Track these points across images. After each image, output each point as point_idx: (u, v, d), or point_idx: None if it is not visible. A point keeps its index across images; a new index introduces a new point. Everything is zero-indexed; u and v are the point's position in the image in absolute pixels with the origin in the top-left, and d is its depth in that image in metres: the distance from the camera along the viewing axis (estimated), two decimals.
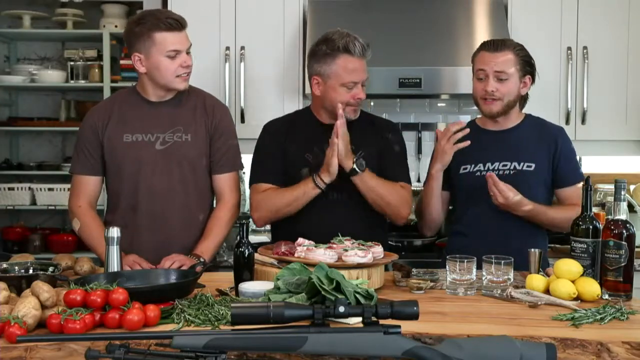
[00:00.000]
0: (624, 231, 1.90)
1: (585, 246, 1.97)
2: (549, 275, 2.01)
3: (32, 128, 4.24)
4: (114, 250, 2.04)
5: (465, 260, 1.95)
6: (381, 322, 1.29)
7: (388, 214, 2.43)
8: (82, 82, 4.10)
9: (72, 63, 4.12)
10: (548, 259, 2.47)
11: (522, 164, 2.38)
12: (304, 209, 2.36)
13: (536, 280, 1.96)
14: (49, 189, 4.03)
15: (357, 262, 1.93)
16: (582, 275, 1.92)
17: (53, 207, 4.04)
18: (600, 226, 1.97)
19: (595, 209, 2.54)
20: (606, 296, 1.90)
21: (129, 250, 2.22)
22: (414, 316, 1.30)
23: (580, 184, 2.34)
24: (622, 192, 1.92)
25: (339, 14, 3.28)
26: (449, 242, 2.59)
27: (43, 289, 1.61)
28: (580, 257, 1.97)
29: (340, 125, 2.26)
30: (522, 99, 2.48)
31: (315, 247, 2.01)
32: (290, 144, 2.45)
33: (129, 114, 2.40)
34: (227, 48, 3.31)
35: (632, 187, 3.24)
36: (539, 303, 1.84)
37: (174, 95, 2.40)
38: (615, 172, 3.34)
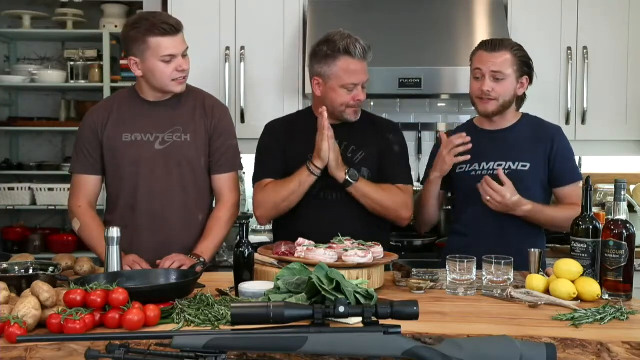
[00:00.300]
0: (624, 231, 1.90)
1: (585, 246, 1.97)
2: (549, 275, 2.01)
3: (32, 128, 4.24)
4: (114, 250, 2.03)
5: (465, 260, 1.95)
6: (381, 322, 1.29)
7: (388, 218, 2.43)
8: (82, 82, 4.11)
9: (72, 63, 4.13)
10: (546, 259, 2.47)
11: (517, 163, 2.39)
12: (304, 209, 2.37)
13: (536, 280, 1.96)
14: (49, 189, 4.04)
15: (357, 262, 1.93)
16: (582, 275, 1.92)
17: (53, 207, 4.04)
18: (600, 226, 1.97)
19: (595, 209, 2.55)
20: (606, 296, 1.90)
21: (128, 251, 2.22)
22: (414, 316, 1.30)
23: (579, 183, 2.36)
24: (622, 192, 1.92)
25: (339, 14, 3.28)
26: (448, 241, 2.60)
27: (43, 289, 1.61)
28: (580, 257, 1.97)
29: (325, 121, 2.25)
30: (520, 99, 2.49)
31: (315, 247, 2.01)
32: (291, 144, 2.45)
33: (128, 114, 2.40)
34: (227, 48, 3.31)
35: (632, 187, 3.24)
36: (539, 303, 1.84)
37: (173, 95, 2.40)
38: (615, 172, 3.34)
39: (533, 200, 2.33)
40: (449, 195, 2.63)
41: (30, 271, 1.96)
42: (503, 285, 1.94)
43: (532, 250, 2.11)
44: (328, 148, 2.25)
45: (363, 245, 2.05)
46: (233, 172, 2.47)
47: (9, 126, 4.21)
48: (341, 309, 1.28)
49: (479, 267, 1.98)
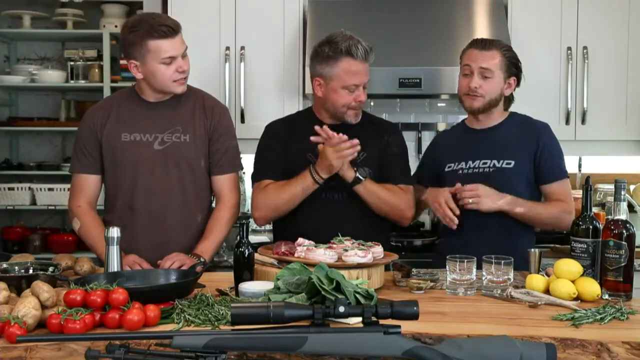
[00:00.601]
0: (624, 231, 1.90)
1: (585, 246, 1.97)
2: (549, 275, 2.01)
3: (32, 128, 4.24)
4: (114, 250, 2.03)
5: (465, 260, 1.95)
6: (381, 322, 1.29)
7: (392, 217, 2.43)
8: (82, 82, 4.11)
9: (72, 63, 4.13)
10: (543, 259, 2.47)
11: (501, 161, 2.40)
12: (304, 209, 2.37)
13: (536, 280, 1.96)
14: (49, 189, 4.03)
15: (357, 262, 1.93)
16: (582, 275, 1.92)
17: (53, 207, 4.04)
18: (600, 226, 1.98)
19: (595, 209, 2.55)
20: (606, 296, 1.90)
21: (127, 251, 2.21)
22: (414, 316, 1.30)
23: (565, 181, 2.37)
24: (622, 192, 1.92)
25: (339, 14, 3.28)
26: (441, 241, 2.62)
27: (43, 289, 1.61)
28: (580, 257, 1.97)
29: (339, 137, 2.26)
30: (507, 100, 2.51)
31: (315, 247, 2.01)
32: (292, 144, 2.45)
33: (128, 114, 2.40)
34: (227, 48, 3.31)
35: (632, 187, 3.24)
36: (539, 303, 1.84)
37: (172, 95, 2.40)
38: (615, 172, 3.34)
39: (519, 197, 2.34)
40: None
41: (30, 271, 1.96)
42: (503, 285, 1.94)
43: (532, 250, 2.12)
44: (341, 164, 2.26)
45: (363, 245, 2.05)
46: (233, 173, 2.47)
47: (9, 126, 4.21)
48: (341, 309, 1.28)
49: (479, 267, 1.98)
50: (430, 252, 2.99)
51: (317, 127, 2.29)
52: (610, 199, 2.79)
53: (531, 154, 2.39)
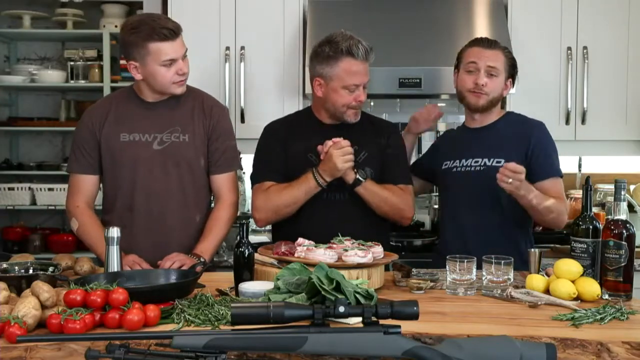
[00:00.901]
0: (624, 231, 1.90)
1: (585, 246, 1.97)
2: (549, 275, 2.01)
3: (32, 128, 4.24)
4: (114, 250, 2.03)
5: (465, 260, 1.95)
6: (381, 322, 1.29)
7: (392, 217, 2.43)
8: (82, 82, 4.11)
9: (72, 63, 4.13)
10: (543, 259, 2.46)
11: (491, 159, 2.41)
12: (304, 209, 2.36)
13: (536, 280, 1.96)
14: (49, 189, 4.04)
15: (357, 262, 1.93)
16: (582, 275, 1.92)
17: (53, 207, 4.04)
18: (600, 226, 1.98)
19: (595, 209, 2.55)
20: (606, 296, 1.90)
21: (127, 251, 2.20)
22: (414, 316, 1.30)
23: (557, 179, 2.36)
24: (622, 192, 1.92)
25: (339, 14, 3.28)
26: (439, 238, 2.63)
27: (43, 289, 1.61)
28: (580, 257, 1.97)
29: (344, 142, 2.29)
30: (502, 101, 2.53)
31: (315, 247, 2.01)
32: (292, 145, 2.45)
33: (126, 114, 2.40)
34: (227, 48, 3.31)
35: (632, 187, 3.24)
36: (539, 303, 1.84)
37: (171, 95, 2.40)
38: (615, 172, 3.34)
39: (507, 197, 2.31)
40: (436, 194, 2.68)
41: (30, 271, 1.96)
42: (503, 285, 1.94)
43: (532, 250, 2.12)
44: (346, 168, 2.27)
45: (363, 245, 2.05)
46: (232, 172, 2.47)
47: (9, 126, 4.22)
48: (341, 309, 1.28)
49: (479, 267, 1.98)
50: (430, 252, 3.00)
51: (319, 147, 2.31)
52: (610, 199, 2.80)
53: (523, 152, 2.39)
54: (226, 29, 3.32)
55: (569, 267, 1.93)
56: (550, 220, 2.37)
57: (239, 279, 1.95)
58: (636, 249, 1.97)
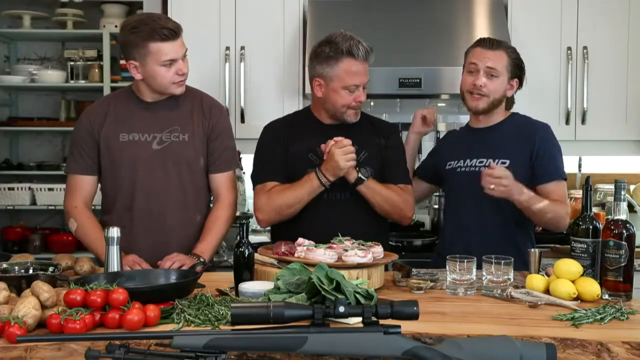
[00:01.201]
0: (624, 231, 1.90)
1: (585, 246, 1.97)
2: (549, 275, 2.01)
3: (32, 128, 4.24)
4: (114, 250, 2.03)
5: (465, 260, 1.95)
6: (381, 322, 1.29)
7: (393, 217, 2.44)
8: (82, 82, 4.11)
9: (72, 63, 4.13)
10: (543, 259, 2.46)
11: (497, 160, 2.40)
12: (304, 209, 2.37)
13: (536, 280, 1.96)
14: (49, 189, 4.03)
15: (357, 262, 1.93)
16: (582, 275, 1.92)
17: (53, 207, 4.04)
18: (600, 226, 1.98)
19: (595, 209, 2.55)
20: (606, 296, 1.90)
21: (127, 251, 2.20)
22: (414, 316, 1.30)
23: (561, 182, 2.36)
24: (622, 192, 1.92)
25: (339, 14, 3.28)
26: (440, 239, 2.63)
27: (43, 289, 1.61)
28: (580, 257, 1.97)
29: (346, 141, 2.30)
30: (509, 101, 2.52)
31: (315, 247, 2.01)
32: (292, 145, 2.45)
33: (125, 114, 2.39)
34: (227, 48, 3.31)
35: (632, 187, 3.24)
36: (539, 303, 1.84)
37: (170, 95, 2.39)
38: (615, 172, 3.34)
39: None
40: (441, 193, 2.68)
41: (30, 271, 1.96)
42: (503, 285, 1.94)
43: (532, 250, 2.12)
44: (348, 167, 2.27)
45: (363, 245, 2.05)
46: (230, 172, 2.47)
47: (9, 126, 4.21)
48: (341, 309, 1.28)
49: (479, 267, 1.98)
50: (430, 252, 3.00)
51: (322, 146, 2.32)
52: (610, 199, 2.80)
53: (527, 154, 2.38)
54: (226, 29, 3.32)
55: (569, 267, 1.93)
56: (548, 221, 2.37)
57: (239, 279, 1.95)
58: (636, 249, 1.97)
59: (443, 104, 3.64)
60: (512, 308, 1.82)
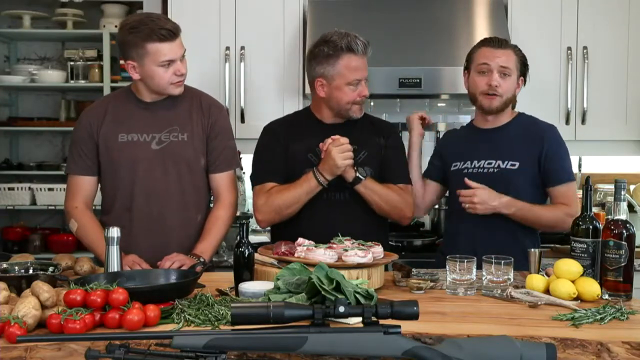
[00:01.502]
0: (624, 231, 1.90)
1: (585, 246, 1.97)
2: (549, 275, 2.01)
3: (32, 128, 4.24)
4: (114, 250, 2.03)
5: (465, 260, 1.95)
6: (381, 322, 1.29)
7: (392, 217, 2.44)
8: (82, 82, 4.11)
9: (72, 63, 4.13)
10: (543, 259, 2.47)
11: (505, 162, 2.40)
12: (304, 209, 2.37)
13: (536, 280, 1.95)
14: (49, 189, 4.03)
15: (357, 262, 1.93)
16: (582, 275, 1.92)
17: (53, 207, 4.04)
18: (600, 226, 1.97)
19: (595, 209, 2.55)
20: (606, 296, 1.90)
21: (126, 251, 2.20)
22: (414, 316, 1.30)
23: (570, 183, 2.37)
24: (622, 192, 1.92)
25: (339, 14, 3.28)
26: (444, 240, 2.62)
27: (43, 289, 1.61)
28: (580, 257, 1.97)
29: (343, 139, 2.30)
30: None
31: (315, 247, 2.01)
32: (292, 145, 2.45)
33: (124, 114, 2.39)
34: (227, 48, 3.31)
35: (632, 187, 3.24)
36: (539, 303, 1.84)
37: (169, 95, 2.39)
38: (615, 172, 3.34)
39: (523, 199, 2.34)
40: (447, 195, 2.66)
41: (30, 271, 1.96)
42: (503, 285, 1.94)
43: (532, 250, 2.12)
44: (345, 165, 2.27)
45: (363, 245, 2.05)
46: (230, 172, 2.46)
47: (9, 126, 4.21)
48: (341, 309, 1.28)
49: (479, 267, 1.98)
50: (430, 252, 3.00)
51: (321, 144, 2.32)
52: (610, 199, 2.80)
53: (536, 156, 2.39)
54: (226, 29, 3.32)
55: (569, 267, 1.93)
56: (546, 227, 2.41)
57: (239, 279, 1.95)
58: (636, 249, 1.97)
59: (443, 104, 3.64)
60: (512, 308, 1.82)
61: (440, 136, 3.18)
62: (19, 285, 1.81)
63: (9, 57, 4.34)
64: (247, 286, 1.85)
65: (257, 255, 2.03)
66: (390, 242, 2.73)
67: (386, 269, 2.15)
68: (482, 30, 3.22)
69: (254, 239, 3.09)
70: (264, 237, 3.21)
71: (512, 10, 3.29)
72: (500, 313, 1.77)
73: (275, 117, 2.63)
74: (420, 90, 3.13)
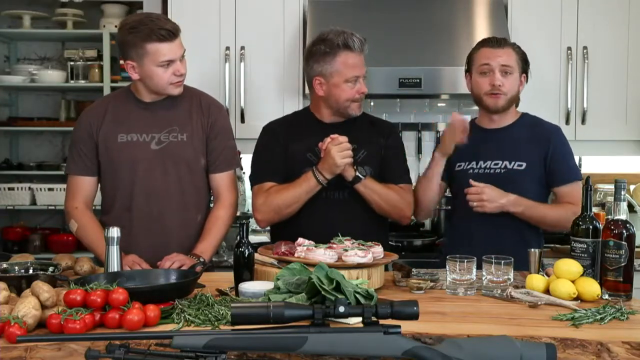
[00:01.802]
0: (624, 231, 1.90)
1: (585, 246, 1.97)
2: (549, 275, 2.01)
3: (32, 128, 4.24)
4: (114, 250, 2.03)
5: (465, 260, 1.95)
6: (381, 322, 1.29)
7: (392, 216, 2.44)
8: (82, 82, 4.11)
9: (72, 63, 4.13)
10: (544, 259, 2.48)
11: (512, 163, 2.40)
12: (303, 208, 2.37)
13: (536, 280, 1.95)
14: (49, 189, 4.03)
15: (357, 262, 1.93)
16: (582, 275, 1.92)
17: (53, 207, 4.04)
18: (600, 226, 1.97)
19: (595, 209, 2.55)
20: (606, 296, 1.90)
21: (126, 252, 2.19)
22: (414, 316, 1.30)
23: (576, 183, 2.37)
24: (622, 192, 1.92)
25: (339, 14, 3.28)
26: (446, 241, 2.61)
27: (43, 289, 1.61)
28: (580, 257, 1.97)
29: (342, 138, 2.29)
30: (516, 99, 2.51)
31: (315, 247, 2.01)
32: (291, 144, 2.45)
33: (124, 114, 2.39)
34: (227, 48, 3.31)
35: (632, 187, 3.24)
36: (539, 303, 1.84)
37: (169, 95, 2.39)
38: (615, 172, 3.34)
39: (528, 199, 2.34)
40: (448, 194, 2.64)
41: (30, 271, 1.96)
42: (503, 285, 1.94)
43: (532, 250, 2.11)
44: (344, 164, 2.27)
45: (363, 245, 2.05)
46: (231, 172, 2.46)
47: (9, 126, 4.21)
48: (341, 309, 1.28)
49: (479, 267, 1.98)
50: (430, 252, 3.00)
51: (320, 144, 2.32)
52: (610, 199, 2.80)
53: (542, 156, 2.39)
54: (226, 29, 3.32)
55: (569, 267, 1.93)
56: (549, 226, 2.41)
57: (239, 279, 1.95)
58: (636, 249, 1.97)
59: (443, 104, 3.65)
60: (512, 308, 1.82)
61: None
62: (19, 285, 1.81)
63: (9, 57, 4.34)
64: (247, 286, 1.85)
65: (257, 255, 2.03)
66: (390, 242, 2.72)
67: (386, 269, 2.15)
68: (482, 30, 3.22)
69: (254, 239, 3.09)
70: (264, 237, 3.21)
71: (512, 10, 3.29)
72: (500, 313, 1.77)
73: (275, 117, 2.63)
74: (420, 90, 3.13)
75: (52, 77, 4.07)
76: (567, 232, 2.13)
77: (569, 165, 2.42)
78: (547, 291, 1.92)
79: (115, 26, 3.99)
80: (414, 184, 2.57)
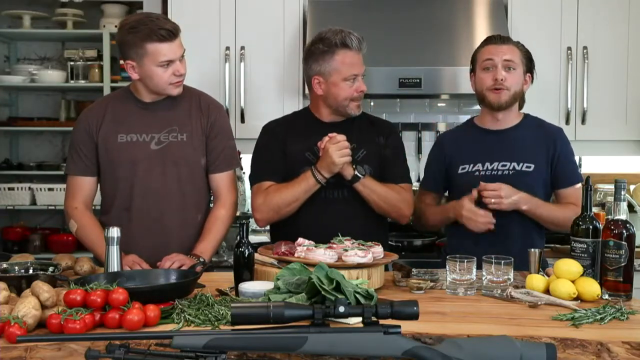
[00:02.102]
0: (624, 231, 1.90)
1: (585, 246, 1.97)
2: (549, 275, 2.01)
3: (32, 128, 4.24)
4: (114, 250, 2.03)
5: (465, 260, 1.95)
6: (381, 322, 1.29)
7: (391, 215, 2.44)
8: (82, 82, 4.11)
9: (72, 63, 4.13)
10: (546, 259, 2.48)
11: (521, 164, 2.39)
12: (303, 207, 2.37)
13: (536, 280, 1.95)
14: (49, 189, 4.03)
15: (357, 262, 1.93)
16: (582, 275, 1.92)
17: (53, 207, 4.04)
18: (600, 226, 1.97)
19: (595, 209, 2.55)
20: (606, 296, 1.90)
21: (126, 252, 2.19)
22: (414, 316, 1.30)
23: (579, 185, 2.37)
24: (622, 192, 1.92)
25: (339, 14, 3.29)
26: (448, 242, 2.60)
27: (43, 289, 1.61)
28: (580, 257, 1.97)
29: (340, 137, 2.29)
30: (521, 99, 2.49)
31: (315, 247, 2.01)
32: (291, 144, 2.45)
33: (123, 114, 2.39)
34: (227, 48, 3.31)
35: (632, 187, 3.24)
36: (539, 303, 1.84)
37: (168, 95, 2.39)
38: (615, 172, 3.34)
39: None
40: (447, 194, 2.64)
41: (30, 271, 1.96)
42: (503, 285, 1.94)
43: (532, 250, 2.11)
44: (343, 162, 2.27)
45: (363, 245, 2.05)
46: (230, 171, 2.46)
47: (9, 126, 4.21)
48: (341, 309, 1.28)
49: (479, 267, 1.98)
50: (430, 252, 2.99)
51: (319, 143, 2.32)
52: (610, 199, 2.80)
53: (548, 158, 2.39)
54: (226, 29, 3.32)
55: (569, 267, 1.93)
56: (552, 225, 2.40)
57: (239, 279, 1.95)
58: (636, 249, 1.97)
59: (443, 104, 3.65)
60: (512, 308, 1.82)
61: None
62: (19, 285, 1.81)
63: (9, 57, 4.34)
64: (247, 286, 1.86)
65: (257, 255, 2.03)
66: (390, 242, 2.72)
67: (386, 269, 2.15)
68: (482, 30, 3.22)
69: (254, 239, 3.09)
70: (264, 237, 3.21)
71: (512, 10, 3.29)
72: (500, 313, 1.77)
73: (275, 117, 2.63)
74: (420, 90, 3.13)
75: (52, 77, 4.07)
76: (567, 232, 2.13)
77: (573, 168, 2.44)
78: (547, 291, 1.92)
79: (115, 26, 3.99)
80: (414, 184, 2.57)
